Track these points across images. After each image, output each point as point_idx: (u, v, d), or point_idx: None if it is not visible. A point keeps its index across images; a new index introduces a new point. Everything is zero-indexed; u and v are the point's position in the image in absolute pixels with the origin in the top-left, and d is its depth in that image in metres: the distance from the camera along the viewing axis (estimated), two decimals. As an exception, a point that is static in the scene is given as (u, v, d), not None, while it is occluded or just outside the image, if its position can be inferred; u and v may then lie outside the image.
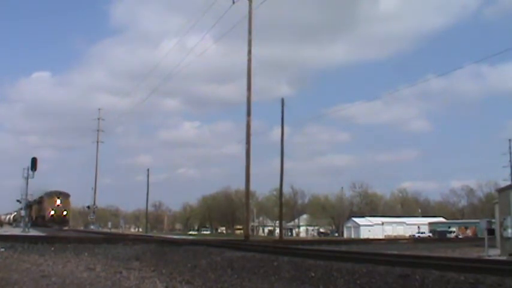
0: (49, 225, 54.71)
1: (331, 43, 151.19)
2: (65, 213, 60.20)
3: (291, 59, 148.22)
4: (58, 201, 59.66)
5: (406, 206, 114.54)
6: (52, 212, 58.84)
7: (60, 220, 58.89)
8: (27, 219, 40.32)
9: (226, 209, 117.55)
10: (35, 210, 66.64)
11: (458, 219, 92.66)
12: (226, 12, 29.23)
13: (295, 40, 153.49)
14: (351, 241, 40.28)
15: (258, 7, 28.30)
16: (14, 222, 67.63)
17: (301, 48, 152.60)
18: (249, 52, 27.99)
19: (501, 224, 28.57)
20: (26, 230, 35.29)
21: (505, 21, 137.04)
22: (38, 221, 62.28)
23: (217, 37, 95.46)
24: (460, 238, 60.34)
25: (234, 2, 28.46)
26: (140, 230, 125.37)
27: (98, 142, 70.38)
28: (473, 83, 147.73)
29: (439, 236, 68.70)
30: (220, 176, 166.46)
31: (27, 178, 36.53)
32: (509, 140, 73.46)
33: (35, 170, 35.57)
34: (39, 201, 63.78)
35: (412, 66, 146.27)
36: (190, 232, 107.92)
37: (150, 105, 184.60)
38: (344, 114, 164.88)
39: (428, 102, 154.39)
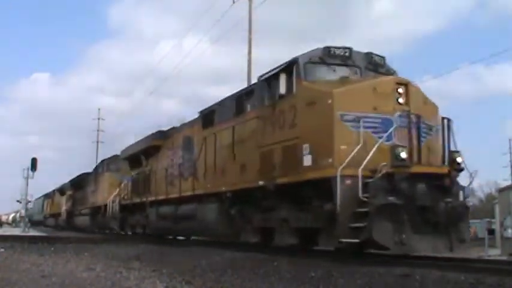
0: None
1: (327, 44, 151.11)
2: None
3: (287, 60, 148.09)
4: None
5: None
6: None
7: None
8: (27, 219, 40.12)
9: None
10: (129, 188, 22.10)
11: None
12: (225, 13, 29.35)
13: (293, 41, 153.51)
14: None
15: (257, 8, 28.33)
16: (19, 222, 64.32)
17: (297, 49, 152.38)
18: (249, 52, 28.01)
19: (501, 224, 28.58)
20: (26, 230, 35.27)
21: (498, 23, 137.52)
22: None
23: (215, 39, 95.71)
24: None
25: (234, 2, 28.49)
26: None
27: (97, 142, 69.85)
28: (471, 84, 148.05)
29: (439, 236, 68.58)
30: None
31: (27, 178, 36.55)
32: (509, 140, 73.51)
33: (35, 170, 35.55)
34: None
35: (409, 68, 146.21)
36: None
37: (149, 106, 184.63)
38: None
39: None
